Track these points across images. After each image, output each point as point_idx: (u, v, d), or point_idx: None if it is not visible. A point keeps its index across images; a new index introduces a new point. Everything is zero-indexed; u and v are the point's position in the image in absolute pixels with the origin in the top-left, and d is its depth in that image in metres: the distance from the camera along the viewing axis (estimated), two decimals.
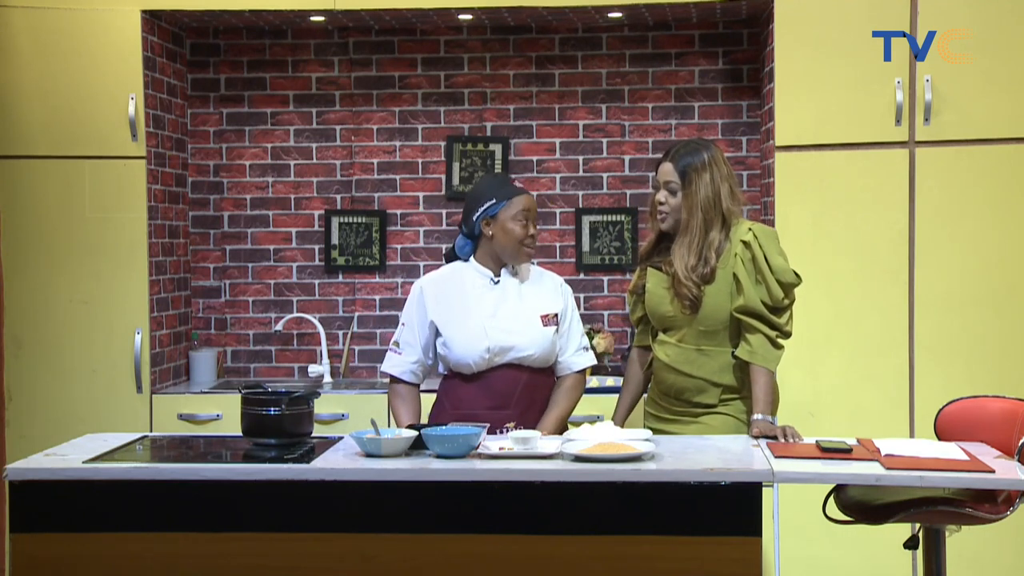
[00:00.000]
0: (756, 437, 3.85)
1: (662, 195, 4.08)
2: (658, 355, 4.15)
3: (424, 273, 5.03)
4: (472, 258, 4.21)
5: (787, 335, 4.06)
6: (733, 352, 4.06)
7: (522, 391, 4.13)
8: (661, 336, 4.16)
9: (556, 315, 4.18)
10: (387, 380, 4.34)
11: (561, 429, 4.15)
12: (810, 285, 4.96)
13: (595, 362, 4.34)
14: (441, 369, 4.23)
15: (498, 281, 4.17)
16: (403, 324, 4.22)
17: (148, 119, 5.34)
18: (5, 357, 5.19)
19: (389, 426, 4.60)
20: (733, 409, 4.07)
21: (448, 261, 4.30)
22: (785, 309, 4.04)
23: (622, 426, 4.20)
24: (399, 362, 4.20)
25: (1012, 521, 3.71)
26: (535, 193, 5.79)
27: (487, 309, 4.12)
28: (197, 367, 5.70)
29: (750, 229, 4.05)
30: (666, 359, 4.11)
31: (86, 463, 3.57)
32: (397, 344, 4.22)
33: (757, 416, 3.93)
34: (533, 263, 4.31)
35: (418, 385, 4.23)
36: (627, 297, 4.35)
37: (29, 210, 5.29)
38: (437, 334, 4.15)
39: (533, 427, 4.08)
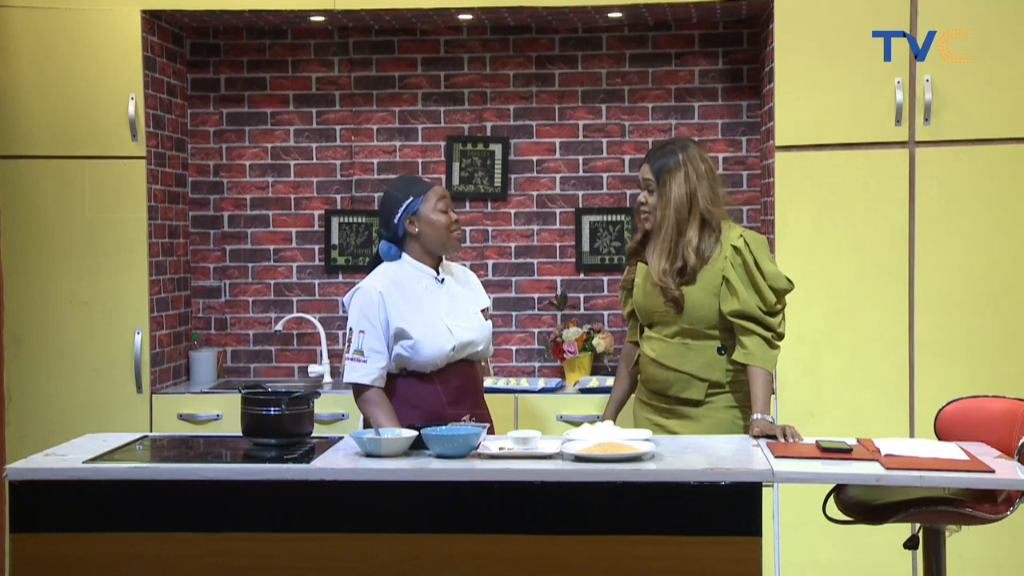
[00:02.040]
0: (756, 437, 3.85)
1: (643, 195, 4.16)
2: (644, 350, 4.20)
3: None
4: (405, 257, 4.20)
5: (780, 337, 4.07)
6: (719, 348, 4.08)
7: (474, 384, 4.25)
8: (647, 332, 4.21)
9: (488, 308, 4.35)
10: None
11: None
12: (810, 285, 4.98)
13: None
14: (391, 369, 4.17)
15: (443, 280, 4.22)
16: (362, 332, 4.10)
17: (148, 119, 5.34)
18: (5, 357, 5.19)
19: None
20: (722, 402, 4.09)
21: (373, 265, 4.27)
22: (778, 313, 4.07)
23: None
24: (369, 370, 4.09)
25: (1012, 521, 3.71)
26: (535, 193, 5.80)
27: (442, 308, 4.17)
28: (197, 367, 5.70)
29: (741, 235, 4.08)
30: (652, 354, 4.16)
31: (86, 463, 3.57)
32: (360, 353, 4.09)
33: (757, 416, 3.94)
34: (464, 264, 4.36)
35: (384, 388, 4.19)
36: (620, 293, 4.38)
37: (29, 210, 5.29)
38: (398, 338, 4.11)
39: (480, 418, 4.15)
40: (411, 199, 4.16)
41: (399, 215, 4.15)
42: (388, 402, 4.12)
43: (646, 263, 4.18)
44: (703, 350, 4.09)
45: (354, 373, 4.11)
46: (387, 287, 4.14)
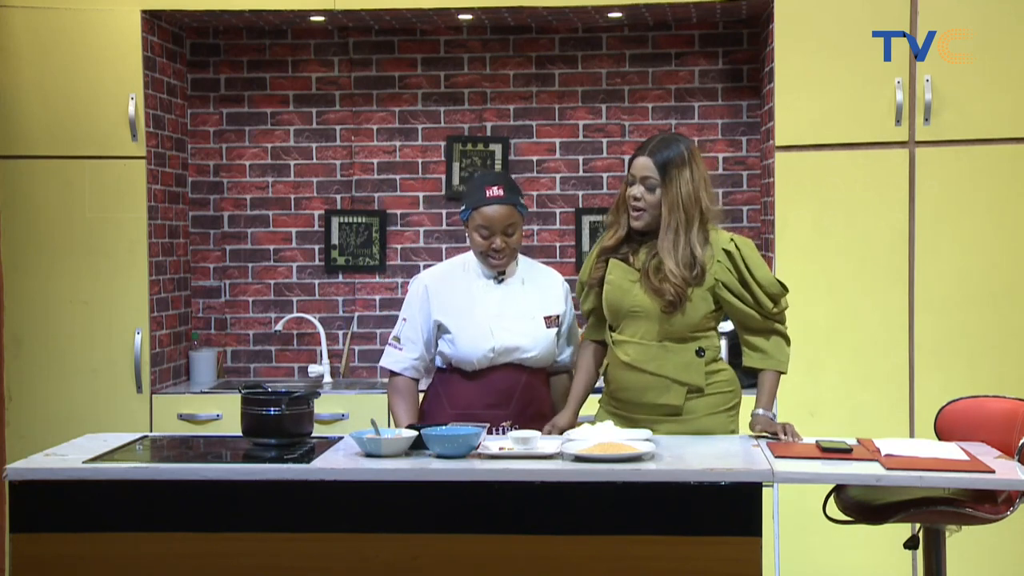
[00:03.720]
0: (756, 431, 3.83)
1: (638, 190, 3.92)
2: (617, 355, 4.00)
3: None
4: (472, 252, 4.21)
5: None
6: (698, 351, 3.95)
7: (521, 391, 4.11)
8: (616, 335, 4.01)
9: (559, 316, 4.17)
10: (387, 377, 4.32)
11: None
12: (810, 285, 4.99)
13: None
14: (439, 363, 4.19)
15: (502, 280, 4.15)
16: (404, 320, 4.18)
17: (148, 119, 5.34)
18: (5, 357, 5.19)
19: (388, 424, 4.61)
20: (702, 409, 3.96)
21: None
22: (779, 313, 4.00)
23: (575, 418, 4.09)
24: (400, 358, 4.16)
25: (1012, 521, 3.71)
26: (534, 193, 5.79)
27: (492, 308, 4.09)
28: (197, 367, 5.70)
29: (732, 239, 3.96)
30: (626, 358, 3.97)
31: (86, 463, 3.57)
32: (398, 340, 4.18)
33: (759, 411, 3.90)
34: (537, 263, 4.31)
35: (418, 381, 4.21)
36: (577, 287, 4.19)
37: (29, 210, 5.29)
38: (440, 331, 4.13)
39: (529, 427, 4.00)
40: (464, 207, 4.13)
41: (460, 214, 4.18)
42: (415, 394, 4.17)
43: (622, 260, 4.00)
44: (682, 352, 3.94)
45: (387, 358, 4.21)
46: (436, 279, 4.17)
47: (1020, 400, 3.89)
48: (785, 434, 3.78)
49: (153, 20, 5.40)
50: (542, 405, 4.19)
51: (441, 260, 5.59)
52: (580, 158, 5.80)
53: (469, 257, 4.20)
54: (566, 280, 4.25)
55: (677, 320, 3.93)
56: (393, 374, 4.18)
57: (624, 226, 4.01)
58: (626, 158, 5.75)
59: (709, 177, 4.02)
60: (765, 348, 3.97)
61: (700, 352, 3.97)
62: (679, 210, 3.90)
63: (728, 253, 3.94)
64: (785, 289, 4.00)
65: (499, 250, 4.06)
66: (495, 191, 4.06)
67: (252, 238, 5.91)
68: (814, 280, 5.01)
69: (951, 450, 3.60)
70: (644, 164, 3.93)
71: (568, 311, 4.24)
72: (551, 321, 4.14)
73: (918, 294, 5.02)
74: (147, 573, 3.48)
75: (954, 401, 4.00)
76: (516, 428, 3.99)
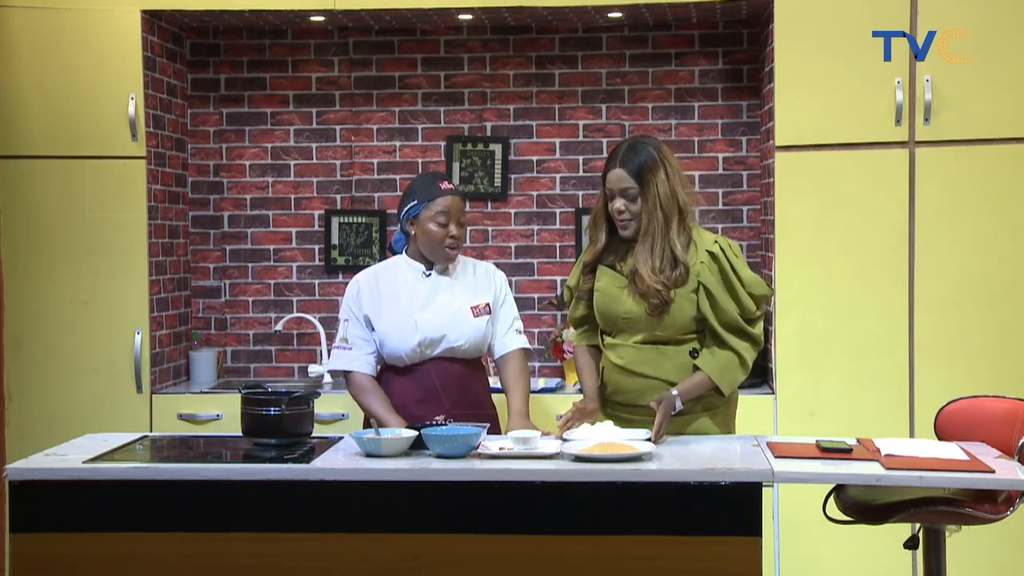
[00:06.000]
0: (653, 404, 3.76)
1: (620, 203, 3.93)
2: (611, 359, 3.99)
3: None
4: (405, 252, 4.29)
5: (757, 344, 3.94)
6: (692, 351, 3.93)
7: (454, 383, 4.17)
8: (609, 339, 4.02)
9: (488, 304, 4.25)
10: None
11: (528, 409, 4.19)
12: (810, 285, 4.99)
13: (527, 346, 4.35)
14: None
15: (429, 274, 4.23)
16: (345, 320, 4.25)
17: (148, 119, 5.34)
18: (5, 357, 5.19)
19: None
20: (700, 406, 3.94)
21: (394, 253, 4.37)
22: (758, 319, 3.94)
23: (597, 410, 4.00)
24: (353, 357, 4.21)
25: (1012, 521, 3.71)
26: (535, 193, 5.79)
27: (418, 302, 4.18)
28: (197, 367, 5.69)
29: (716, 241, 3.94)
30: (620, 361, 3.97)
31: (86, 463, 3.57)
32: (345, 341, 4.23)
33: (672, 392, 3.80)
34: (471, 259, 4.37)
35: (375, 378, 4.22)
36: (564, 293, 4.21)
37: (29, 210, 5.29)
38: (370, 328, 4.20)
39: (465, 419, 3.98)
40: (416, 202, 4.19)
41: (403, 213, 4.23)
42: (379, 388, 4.17)
43: (611, 267, 4.01)
44: (675, 354, 3.93)
45: (337, 361, 4.24)
46: (368, 278, 4.26)
47: (1020, 400, 3.89)
48: (657, 430, 3.73)
49: (153, 20, 5.40)
50: (477, 397, 4.23)
51: None
52: (580, 158, 5.80)
53: (401, 257, 4.28)
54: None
55: (665, 323, 3.92)
56: (349, 375, 4.21)
57: (602, 240, 4.05)
58: None
59: (682, 172, 4.01)
60: (719, 358, 3.90)
61: (694, 353, 3.96)
62: (658, 212, 3.90)
63: (712, 255, 3.93)
64: (771, 291, 3.98)
65: (456, 236, 4.16)
66: (447, 185, 4.21)
67: (252, 238, 5.91)
68: (814, 280, 5.01)
69: (951, 450, 3.60)
70: (619, 176, 3.94)
71: (499, 295, 4.29)
72: (478, 310, 4.22)
73: (918, 294, 5.02)
74: (147, 573, 3.49)
75: (954, 401, 4.00)
76: (450, 422, 3.94)
